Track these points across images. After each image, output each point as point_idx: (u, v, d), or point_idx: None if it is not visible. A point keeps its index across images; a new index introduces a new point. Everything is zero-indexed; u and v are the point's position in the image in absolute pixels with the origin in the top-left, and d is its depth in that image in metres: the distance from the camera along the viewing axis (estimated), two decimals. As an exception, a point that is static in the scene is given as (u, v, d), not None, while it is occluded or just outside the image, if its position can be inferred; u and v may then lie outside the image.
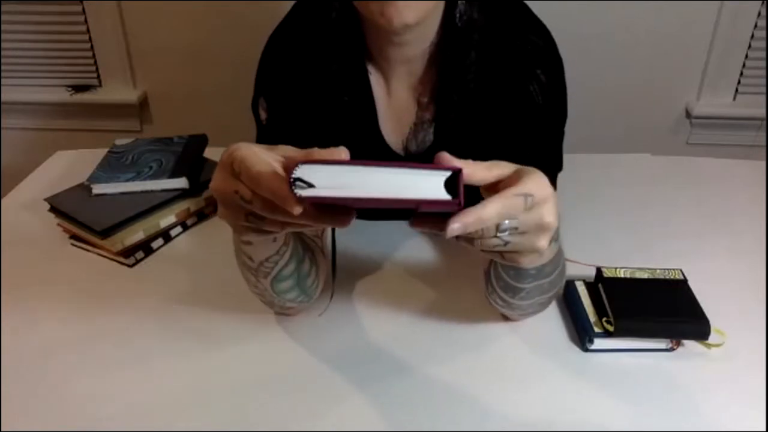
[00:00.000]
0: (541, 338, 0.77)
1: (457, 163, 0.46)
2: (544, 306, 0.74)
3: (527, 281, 0.65)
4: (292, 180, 0.41)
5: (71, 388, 0.71)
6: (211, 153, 1.09)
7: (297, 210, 0.43)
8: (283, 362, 0.74)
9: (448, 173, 0.43)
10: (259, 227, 0.51)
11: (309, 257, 0.71)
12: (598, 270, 0.80)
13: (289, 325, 0.79)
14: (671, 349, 0.74)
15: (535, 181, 0.49)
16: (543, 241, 0.52)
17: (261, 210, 0.48)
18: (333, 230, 0.64)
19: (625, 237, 0.96)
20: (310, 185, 0.42)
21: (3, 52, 1.84)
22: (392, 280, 0.87)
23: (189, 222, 1.00)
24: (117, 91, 1.88)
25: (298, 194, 0.42)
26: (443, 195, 0.42)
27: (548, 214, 0.50)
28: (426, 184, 0.42)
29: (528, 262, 0.55)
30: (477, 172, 0.49)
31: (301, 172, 0.42)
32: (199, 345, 0.76)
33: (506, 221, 0.49)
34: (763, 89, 1.71)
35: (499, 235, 0.49)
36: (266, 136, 0.83)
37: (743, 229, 0.98)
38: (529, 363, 0.74)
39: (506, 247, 0.51)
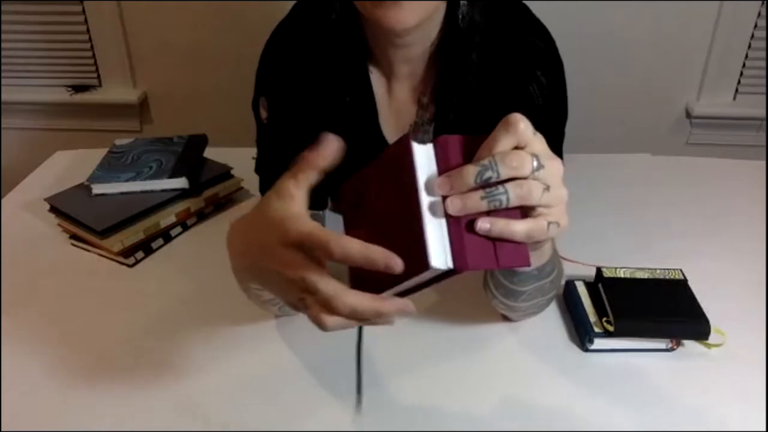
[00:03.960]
0: (541, 338, 0.77)
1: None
2: (544, 306, 0.74)
3: (529, 283, 0.65)
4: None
5: (70, 387, 0.71)
6: (211, 153, 1.08)
7: (397, 265, 0.43)
8: (282, 362, 0.74)
9: None
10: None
11: None
12: (598, 270, 0.80)
13: (288, 326, 0.79)
14: (671, 349, 0.74)
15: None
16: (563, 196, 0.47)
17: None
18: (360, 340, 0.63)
19: (625, 237, 0.96)
20: None
21: (3, 52, 1.84)
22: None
23: (189, 222, 1.00)
24: (117, 91, 1.88)
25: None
26: None
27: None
28: None
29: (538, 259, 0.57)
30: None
31: None
32: (198, 345, 0.76)
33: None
34: (763, 89, 1.71)
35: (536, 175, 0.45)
36: (267, 136, 0.83)
37: (743, 229, 0.98)
38: (529, 363, 0.74)
39: (543, 199, 0.46)
